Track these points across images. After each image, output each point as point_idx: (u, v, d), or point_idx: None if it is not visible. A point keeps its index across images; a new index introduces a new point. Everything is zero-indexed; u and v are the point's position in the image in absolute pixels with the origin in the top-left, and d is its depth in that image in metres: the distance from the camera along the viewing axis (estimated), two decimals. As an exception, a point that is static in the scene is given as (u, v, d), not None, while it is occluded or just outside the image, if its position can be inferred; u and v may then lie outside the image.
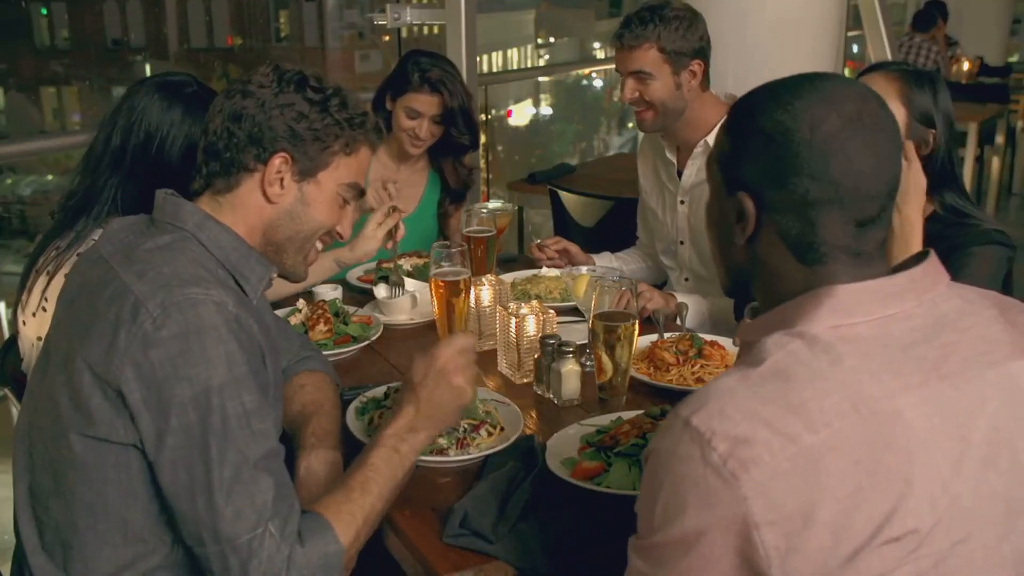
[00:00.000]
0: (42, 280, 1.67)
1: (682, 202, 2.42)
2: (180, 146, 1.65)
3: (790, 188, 0.96)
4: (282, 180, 1.32)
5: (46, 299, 1.66)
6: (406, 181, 2.72)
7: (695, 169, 2.36)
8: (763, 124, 0.97)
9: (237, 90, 1.33)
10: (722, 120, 2.36)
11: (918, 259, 0.99)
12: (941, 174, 1.76)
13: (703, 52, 2.28)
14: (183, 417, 1.15)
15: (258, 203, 1.34)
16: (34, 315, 1.70)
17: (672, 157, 2.43)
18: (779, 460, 0.84)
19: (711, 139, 2.31)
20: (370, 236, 2.27)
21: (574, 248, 2.44)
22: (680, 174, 2.41)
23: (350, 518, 1.22)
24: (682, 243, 2.45)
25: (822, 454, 0.84)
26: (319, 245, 1.43)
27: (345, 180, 1.37)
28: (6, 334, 1.86)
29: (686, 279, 2.46)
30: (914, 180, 1.60)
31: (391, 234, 2.29)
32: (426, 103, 2.53)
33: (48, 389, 1.26)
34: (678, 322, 2.13)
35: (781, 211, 0.97)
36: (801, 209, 0.96)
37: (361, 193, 1.41)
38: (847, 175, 0.94)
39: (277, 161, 1.31)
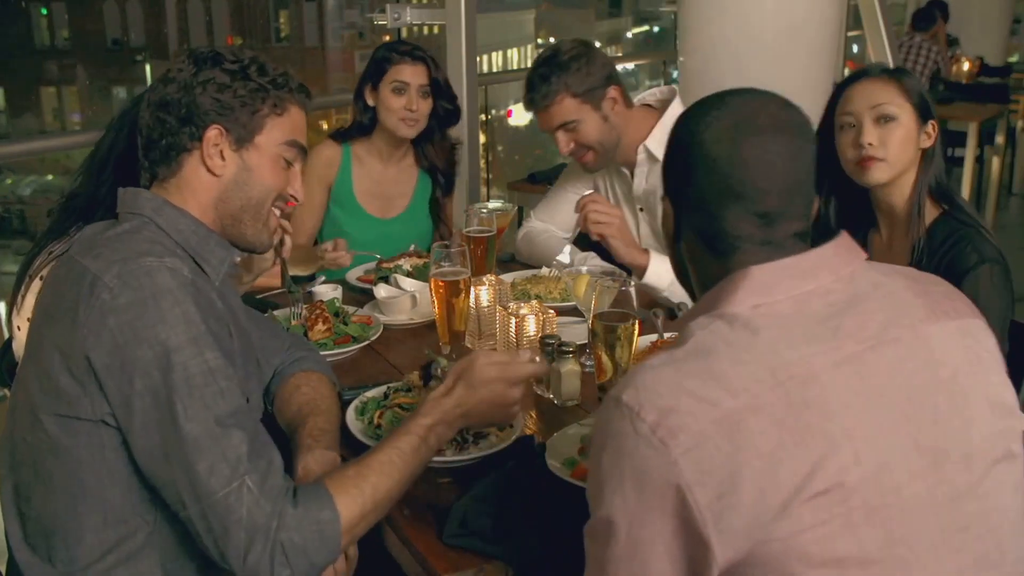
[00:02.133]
0: (36, 284, 1.67)
1: (641, 209, 2.43)
2: None
3: (691, 186, 1.06)
4: (221, 152, 1.35)
5: None
6: (395, 182, 2.72)
7: (643, 176, 2.37)
8: (675, 134, 1.10)
9: (158, 81, 1.36)
10: (656, 123, 2.36)
11: (829, 238, 1.05)
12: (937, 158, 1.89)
13: (613, 77, 2.28)
14: (147, 379, 1.16)
15: (204, 180, 1.36)
16: (29, 320, 1.69)
17: (626, 169, 2.43)
18: (703, 424, 0.89)
19: (650, 143, 2.32)
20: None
21: None
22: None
23: (357, 492, 1.20)
24: (646, 250, 2.34)
25: (743, 416, 0.89)
26: (276, 212, 1.44)
27: (282, 140, 1.39)
28: (6, 334, 1.85)
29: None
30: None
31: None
32: (411, 72, 2.53)
33: (23, 383, 1.28)
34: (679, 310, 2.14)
35: (690, 209, 1.08)
36: (702, 205, 1.05)
37: (302, 151, 1.43)
38: (736, 168, 1.02)
39: (211, 134, 1.34)
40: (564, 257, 2.33)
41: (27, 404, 1.26)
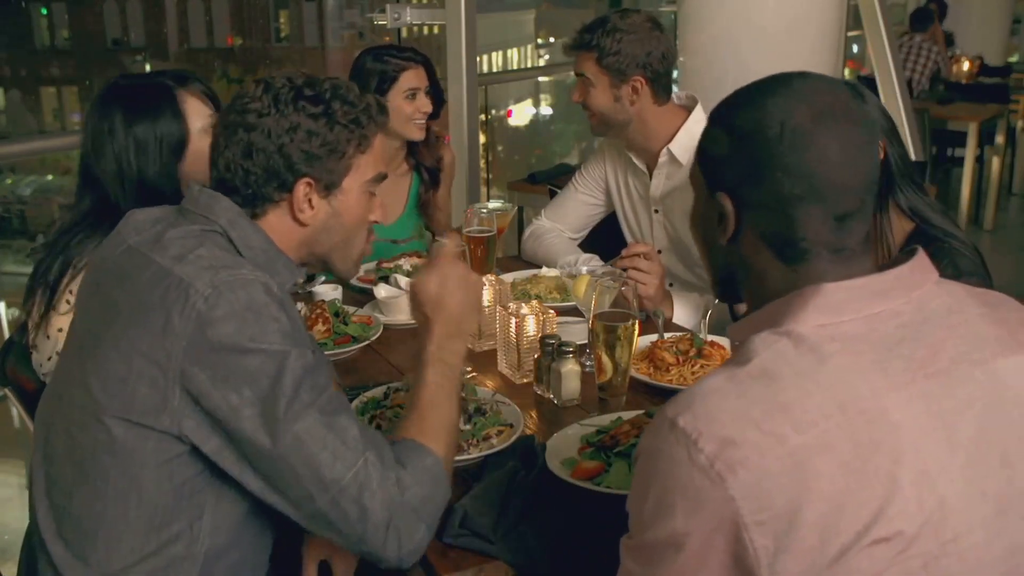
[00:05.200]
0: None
1: (656, 211, 2.40)
2: (141, 154, 1.69)
3: (766, 185, 0.96)
4: (311, 201, 1.33)
5: None
6: (392, 187, 2.70)
7: (663, 178, 2.34)
8: (736, 123, 0.99)
9: (237, 123, 1.30)
10: (681, 127, 2.28)
11: (907, 256, 0.99)
12: (899, 174, 1.75)
13: (648, 68, 2.21)
14: (255, 386, 1.16)
15: (289, 227, 1.34)
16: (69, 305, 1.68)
17: (642, 166, 2.39)
18: (767, 461, 0.84)
19: (674, 147, 2.28)
20: None
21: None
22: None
23: (433, 432, 1.27)
24: (660, 252, 2.36)
25: (809, 454, 0.84)
26: (363, 240, 1.44)
27: (368, 176, 1.37)
28: (6, 334, 1.85)
29: (671, 284, 2.38)
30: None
31: None
32: (417, 76, 2.56)
33: (77, 376, 1.25)
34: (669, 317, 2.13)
35: (759, 209, 0.98)
36: (778, 205, 0.96)
37: (383, 177, 1.41)
38: (821, 167, 0.94)
39: (301, 187, 1.31)
40: (581, 267, 2.29)
41: (81, 400, 1.23)
